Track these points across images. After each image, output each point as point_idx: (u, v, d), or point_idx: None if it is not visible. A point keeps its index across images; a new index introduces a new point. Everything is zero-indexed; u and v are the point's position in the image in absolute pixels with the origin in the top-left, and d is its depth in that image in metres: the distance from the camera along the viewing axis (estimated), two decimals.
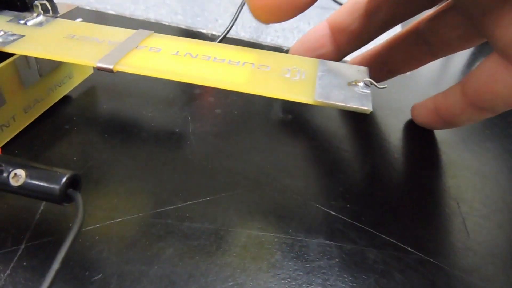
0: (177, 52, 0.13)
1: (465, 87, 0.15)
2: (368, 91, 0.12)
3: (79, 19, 0.17)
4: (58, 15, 0.15)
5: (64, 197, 0.10)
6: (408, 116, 0.20)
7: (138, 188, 0.14)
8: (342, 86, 0.12)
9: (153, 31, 0.14)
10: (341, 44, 0.17)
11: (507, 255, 0.13)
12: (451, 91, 0.16)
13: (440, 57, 0.17)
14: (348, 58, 0.20)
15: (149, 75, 0.12)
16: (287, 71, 0.12)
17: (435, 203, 0.15)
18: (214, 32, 0.27)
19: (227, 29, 0.22)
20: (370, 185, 0.15)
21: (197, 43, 0.13)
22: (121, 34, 0.13)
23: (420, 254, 0.13)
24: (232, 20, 0.22)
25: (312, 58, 0.13)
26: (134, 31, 0.14)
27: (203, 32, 0.27)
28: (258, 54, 0.13)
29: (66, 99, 0.18)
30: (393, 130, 0.19)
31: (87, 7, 0.28)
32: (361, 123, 0.19)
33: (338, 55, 0.18)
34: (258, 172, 0.15)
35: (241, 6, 0.24)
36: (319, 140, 0.17)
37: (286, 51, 0.25)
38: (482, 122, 0.20)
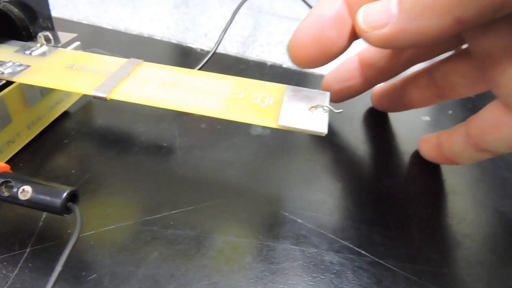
0: (164, 80, 0.14)
1: (469, 128, 0.16)
2: (325, 115, 0.14)
3: (77, 43, 0.19)
4: (59, 44, 0.17)
5: (65, 209, 0.12)
6: (368, 125, 0.22)
7: (129, 198, 0.16)
8: (304, 111, 0.14)
9: (142, 60, 0.16)
10: (369, 77, 0.20)
11: (454, 255, 0.15)
12: (455, 130, 0.17)
13: (446, 100, 0.19)
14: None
15: (139, 102, 0.13)
16: (257, 97, 0.14)
17: (391, 210, 0.17)
18: (203, 47, 0.29)
19: (215, 48, 0.24)
20: (334, 196, 0.17)
21: (181, 71, 0.15)
22: (115, 63, 0.15)
23: (372, 257, 0.15)
24: (218, 39, 0.24)
25: (280, 85, 0.15)
26: (126, 60, 0.16)
27: (193, 47, 0.29)
28: (233, 81, 0.15)
29: (65, 115, 0.20)
30: (358, 143, 0.21)
31: (85, 22, 0.30)
32: (332, 137, 0.21)
33: (366, 87, 0.20)
34: (237, 183, 0.17)
35: (230, 22, 0.26)
36: (293, 154, 0.19)
37: (270, 66, 0.27)
38: None
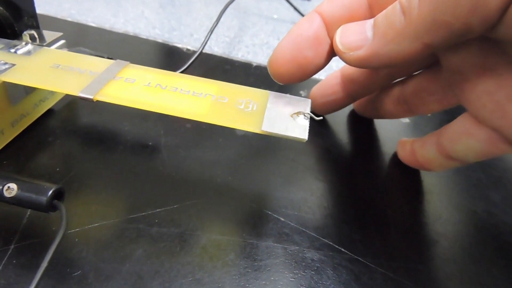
0: (149, 83, 0.15)
1: (440, 138, 0.17)
2: (306, 122, 0.14)
3: (62, 41, 0.19)
4: (44, 43, 0.17)
5: (50, 207, 0.12)
6: (351, 127, 0.22)
7: (114, 197, 0.16)
8: (286, 117, 0.14)
9: (129, 62, 0.16)
10: (351, 92, 0.20)
11: (429, 252, 0.16)
12: (428, 139, 0.18)
13: (416, 115, 0.20)
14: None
15: (125, 105, 0.14)
16: (242, 102, 0.14)
17: (370, 210, 0.17)
18: (189, 47, 0.29)
19: (201, 48, 0.24)
20: (316, 195, 0.18)
21: (166, 75, 0.15)
22: (101, 64, 0.15)
23: (351, 254, 0.15)
24: (204, 40, 0.24)
25: (263, 90, 0.15)
26: (112, 61, 0.16)
27: (179, 47, 0.29)
28: (218, 86, 0.15)
29: (49, 113, 0.20)
30: (340, 145, 0.21)
31: (69, 19, 0.30)
32: (316, 138, 0.21)
33: (348, 101, 0.21)
34: (221, 182, 0.18)
35: (216, 23, 0.27)
36: (277, 154, 0.20)
37: (255, 67, 0.28)
38: None
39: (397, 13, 0.12)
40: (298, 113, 0.14)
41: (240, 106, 0.14)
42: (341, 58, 0.14)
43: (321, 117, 0.15)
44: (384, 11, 0.13)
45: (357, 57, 0.14)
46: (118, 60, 0.16)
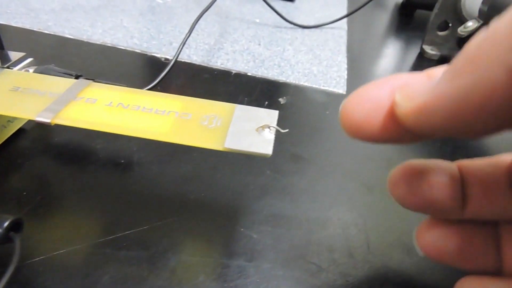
0: (111, 102, 0.14)
1: None
2: (271, 136, 0.14)
3: (29, 59, 0.18)
4: (7, 64, 0.17)
5: (5, 239, 0.12)
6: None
7: (82, 220, 0.16)
8: (251, 132, 0.14)
9: (92, 81, 0.15)
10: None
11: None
12: None
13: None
14: None
15: (83, 127, 0.13)
16: (206, 118, 0.14)
17: (343, 222, 0.17)
18: (167, 56, 0.28)
19: (174, 58, 0.23)
20: (292, 210, 0.17)
21: (129, 92, 0.15)
22: (62, 84, 0.15)
23: (328, 273, 0.15)
24: (178, 49, 0.24)
25: (230, 104, 0.15)
26: (75, 80, 0.15)
27: (157, 56, 0.28)
28: (182, 102, 0.15)
29: (20, 132, 0.19)
30: (318, 157, 0.21)
31: (46, 31, 0.29)
32: (285, 145, 0.21)
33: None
34: (194, 199, 0.17)
35: (189, 33, 0.26)
36: (253, 167, 0.19)
37: (235, 75, 0.27)
38: None
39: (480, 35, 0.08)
40: (263, 127, 0.14)
41: (204, 122, 0.14)
42: (397, 113, 0.09)
43: (287, 130, 0.14)
44: None
45: (415, 107, 0.09)
46: (80, 79, 0.15)
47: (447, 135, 0.09)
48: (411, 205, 0.12)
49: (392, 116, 0.10)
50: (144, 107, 0.14)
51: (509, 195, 0.12)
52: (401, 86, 0.10)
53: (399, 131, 0.10)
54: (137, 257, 0.14)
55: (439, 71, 0.09)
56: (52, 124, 0.13)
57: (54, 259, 0.14)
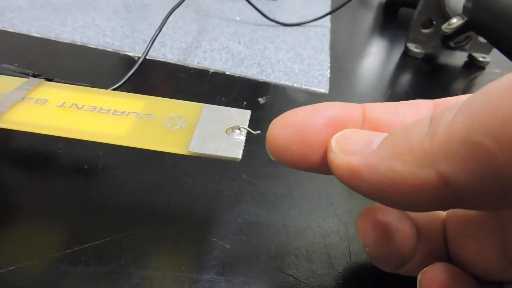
0: (63, 103, 0.13)
1: None
2: (241, 138, 0.12)
3: None
4: None
5: None
6: None
7: (37, 233, 0.14)
8: (219, 134, 0.12)
9: (44, 79, 0.14)
10: None
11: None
12: None
13: None
14: None
15: (30, 131, 0.12)
16: (170, 119, 0.13)
17: (324, 229, 0.16)
18: (140, 55, 0.27)
19: (143, 56, 0.22)
20: (268, 217, 0.16)
21: (86, 92, 0.14)
22: (10, 84, 0.13)
23: (296, 278, 0.14)
24: (147, 47, 0.23)
25: (197, 104, 0.14)
26: (24, 80, 0.14)
27: (130, 55, 0.27)
28: (144, 101, 0.13)
29: None
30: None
31: (11, 30, 0.28)
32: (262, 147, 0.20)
33: None
34: (163, 207, 0.16)
35: (159, 30, 0.25)
36: (227, 171, 0.18)
37: (212, 74, 0.26)
38: None
39: (422, 123, 0.08)
40: (233, 128, 0.13)
41: (167, 124, 0.13)
42: (328, 158, 0.10)
43: (259, 132, 0.13)
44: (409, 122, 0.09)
45: (346, 164, 0.09)
46: (31, 78, 0.14)
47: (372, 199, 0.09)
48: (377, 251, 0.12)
49: (316, 150, 0.10)
50: (101, 108, 0.13)
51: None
52: (341, 135, 0.10)
53: (321, 166, 0.10)
54: (96, 273, 0.13)
55: (380, 134, 0.09)
56: None
57: (1, 277, 0.13)
